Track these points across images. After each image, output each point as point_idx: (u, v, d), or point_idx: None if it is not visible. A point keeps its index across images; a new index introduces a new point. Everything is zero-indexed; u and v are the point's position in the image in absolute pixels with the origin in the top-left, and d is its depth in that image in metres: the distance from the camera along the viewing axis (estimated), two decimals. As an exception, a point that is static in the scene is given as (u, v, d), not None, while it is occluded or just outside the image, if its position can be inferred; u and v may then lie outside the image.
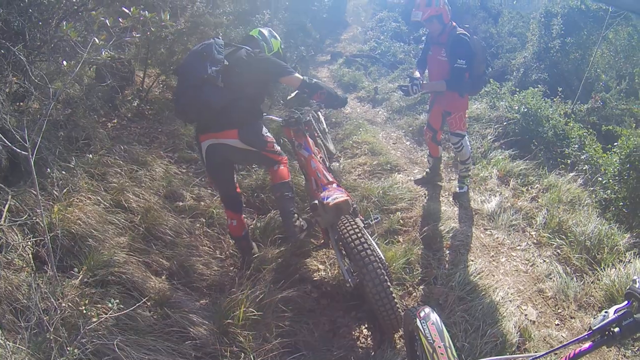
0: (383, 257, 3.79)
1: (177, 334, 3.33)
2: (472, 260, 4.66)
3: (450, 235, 5.04)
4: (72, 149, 4.65)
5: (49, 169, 4.09)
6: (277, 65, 4.02)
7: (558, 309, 4.17)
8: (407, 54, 14.77)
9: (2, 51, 3.90)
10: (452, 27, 5.20)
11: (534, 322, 3.98)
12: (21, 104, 4.41)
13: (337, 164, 6.68)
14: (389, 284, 3.31)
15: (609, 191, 5.95)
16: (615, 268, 4.41)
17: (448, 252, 4.80)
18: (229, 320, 3.45)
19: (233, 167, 4.34)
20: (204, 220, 4.78)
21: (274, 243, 4.49)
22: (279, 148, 4.22)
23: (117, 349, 2.82)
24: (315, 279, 4.32)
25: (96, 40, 3.35)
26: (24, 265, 3.26)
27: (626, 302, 1.89)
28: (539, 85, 9.65)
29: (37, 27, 4.58)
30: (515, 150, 7.35)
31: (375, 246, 3.74)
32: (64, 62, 3.28)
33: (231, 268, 4.23)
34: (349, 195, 3.97)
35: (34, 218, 3.49)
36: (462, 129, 5.64)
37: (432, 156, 6.25)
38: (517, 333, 3.72)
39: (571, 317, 4.08)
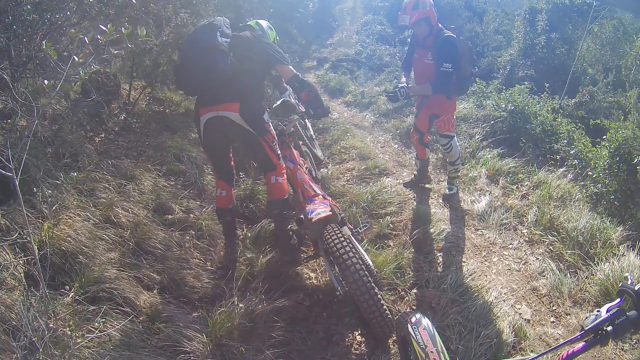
0: (371, 264, 3.81)
1: (170, 348, 3.31)
2: (464, 262, 4.66)
3: (441, 237, 5.04)
4: (60, 166, 4.62)
5: (36, 187, 4.06)
6: (277, 51, 4.07)
7: (553, 306, 4.17)
8: (393, 57, 14.85)
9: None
10: (439, 29, 5.18)
11: (528, 320, 3.98)
12: (7, 121, 4.38)
13: (326, 170, 6.67)
14: (376, 291, 3.31)
15: (599, 185, 5.95)
16: (609, 262, 4.41)
17: (439, 254, 4.80)
18: (221, 333, 3.43)
19: (229, 145, 4.34)
20: (193, 232, 4.76)
21: (265, 253, 4.46)
22: (278, 149, 4.21)
23: (108, 367, 2.81)
24: (307, 287, 4.29)
25: (75, 58, 3.32)
26: (17, 285, 3.24)
27: (618, 299, 1.88)
28: (526, 82, 9.73)
29: (22, 44, 4.57)
30: (503, 148, 7.39)
31: (364, 253, 3.78)
32: (45, 82, 3.26)
33: (222, 280, 4.20)
34: (336, 204, 3.98)
35: (25, 237, 3.46)
36: (451, 131, 5.64)
37: (419, 159, 6.24)
38: (512, 333, 3.72)
39: (566, 314, 4.08)
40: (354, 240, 3.83)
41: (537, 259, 4.76)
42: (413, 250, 4.78)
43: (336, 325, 3.89)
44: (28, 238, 3.15)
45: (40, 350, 2.60)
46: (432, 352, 2.38)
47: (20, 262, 3.41)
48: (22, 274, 3.36)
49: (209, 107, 3.89)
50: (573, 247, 4.79)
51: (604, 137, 6.17)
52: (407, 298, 4.20)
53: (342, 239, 3.46)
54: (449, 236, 5.08)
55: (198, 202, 5.36)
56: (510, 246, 5.01)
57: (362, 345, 3.72)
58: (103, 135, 5.83)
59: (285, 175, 4.27)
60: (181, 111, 7.40)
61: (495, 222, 5.34)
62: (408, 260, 4.59)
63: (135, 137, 6.02)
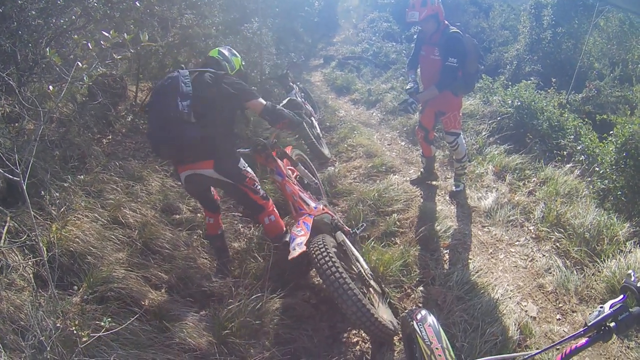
0: (367, 269, 3.85)
1: (177, 346, 3.35)
2: (470, 259, 4.67)
3: (448, 234, 5.04)
4: (67, 168, 4.68)
5: (44, 190, 4.11)
6: (242, 89, 3.95)
7: (559, 304, 4.16)
8: (399, 54, 14.84)
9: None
10: (445, 25, 5.20)
11: (534, 318, 3.98)
12: (15, 125, 4.43)
13: (333, 168, 6.69)
14: (359, 297, 3.24)
15: (606, 181, 5.91)
16: (616, 259, 4.40)
17: (445, 251, 4.80)
18: (227, 331, 3.47)
19: (209, 189, 4.37)
20: (200, 232, 4.80)
21: (271, 252, 4.47)
22: (261, 190, 4.23)
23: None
24: (313, 285, 4.32)
25: (79, 64, 3.35)
26: (26, 285, 3.29)
27: (622, 296, 1.90)
28: (532, 78, 9.69)
29: (28, 49, 4.61)
30: (510, 144, 7.39)
31: (359, 257, 3.88)
32: (50, 87, 3.30)
33: (228, 278, 4.23)
34: (328, 211, 4.05)
35: (33, 239, 3.50)
36: (457, 128, 5.65)
37: (425, 156, 6.24)
38: (517, 330, 3.71)
39: (572, 311, 4.07)
40: (348, 244, 3.89)
41: (544, 255, 4.76)
42: (419, 247, 4.79)
43: (342, 323, 3.91)
44: (36, 240, 3.20)
45: (48, 349, 2.64)
46: (437, 348, 2.40)
47: (29, 263, 3.46)
48: (31, 275, 3.41)
49: (185, 165, 3.90)
50: (580, 244, 4.77)
51: (611, 132, 6.14)
52: (413, 295, 4.21)
53: (324, 253, 3.41)
54: (455, 233, 5.08)
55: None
56: (517, 243, 5.00)
57: (368, 343, 3.74)
58: (110, 137, 5.88)
59: (275, 210, 4.35)
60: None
61: (501, 219, 5.34)
62: (414, 257, 4.60)
63: (143, 139, 6.05)
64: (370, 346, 3.70)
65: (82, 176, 4.60)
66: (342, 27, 19.40)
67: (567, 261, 4.62)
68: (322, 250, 3.42)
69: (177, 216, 4.91)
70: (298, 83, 8.35)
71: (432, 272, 4.44)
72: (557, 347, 2.14)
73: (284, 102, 4.80)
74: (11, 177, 2.77)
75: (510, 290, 4.25)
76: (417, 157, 7.37)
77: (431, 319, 2.57)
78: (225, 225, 4.84)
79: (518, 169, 6.61)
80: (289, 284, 4.11)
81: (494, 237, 5.12)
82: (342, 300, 3.21)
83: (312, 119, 7.63)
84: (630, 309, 1.83)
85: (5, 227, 3.51)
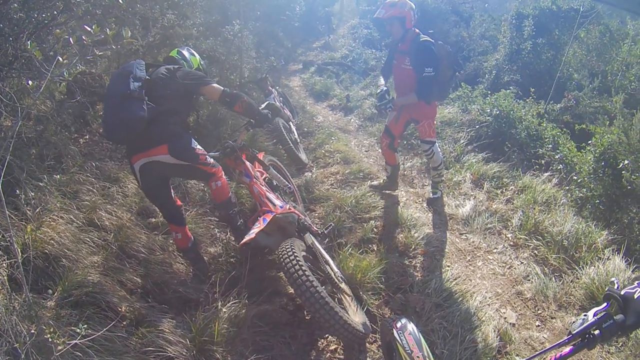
0: (337, 272, 3.87)
1: (153, 353, 3.26)
2: (449, 266, 4.68)
3: (425, 241, 5.04)
4: (43, 167, 4.55)
5: (20, 189, 4.01)
6: (194, 76, 4.05)
7: (538, 310, 4.20)
8: (379, 61, 14.90)
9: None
10: (415, 33, 5.22)
11: (514, 324, 4.01)
12: (-8, 121, 4.33)
13: (310, 174, 6.66)
14: (326, 300, 3.22)
15: (584, 189, 6.00)
16: (594, 266, 4.47)
17: (423, 258, 4.80)
18: (205, 338, 3.40)
19: (168, 183, 4.30)
20: (176, 236, 4.72)
21: (247, 258, 4.43)
22: (211, 160, 4.18)
23: (90, 373, 2.77)
24: (290, 292, 4.27)
25: (60, 59, 3.28)
26: (0, 288, 3.19)
27: (605, 304, 1.92)
28: (511, 87, 9.79)
29: (8, 42, 4.50)
30: (488, 153, 7.47)
31: (329, 260, 3.93)
32: (29, 82, 3.22)
33: (205, 285, 4.18)
34: (294, 211, 4.14)
35: (7, 239, 3.40)
36: (432, 136, 5.65)
37: (389, 164, 6.19)
38: (497, 337, 3.74)
39: (552, 318, 4.12)
40: (317, 247, 3.92)
41: (522, 263, 4.79)
42: (397, 254, 4.80)
43: (320, 330, 3.88)
44: (11, 241, 3.11)
45: (23, 356, 2.55)
46: (418, 357, 2.39)
47: (3, 265, 3.35)
48: (5, 277, 3.30)
49: (138, 153, 3.85)
50: (558, 251, 4.83)
51: (589, 141, 6.24)
52: (391, 302, 4.19)
53: (291, 257, 3.41)
54: (433, 240, 5.09)
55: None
56: (495, 250, 5.03)
57: (346, 350, 3.71)
58: (87, 137, 5.76)
59: (223, 177, 4.28)
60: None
61: (479, 227, 5.37)
62: (392, 264, 4.59)
63: (120, 140, 5.96)
64: (348, 354, 3.68)
65: (58, 176, 4.49)
66: (323, 33, 19.36)
67: (546, 268, 4.68)
68: (289, 254, 3.42)
69: (153, 220, 4.82)
70: (277, 87, 8.35)
71: (410, 279, 4.44)
72: (542, 356, 2.14)
73: (263, 105, 4.79)
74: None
75: (489, 298, 4.28)
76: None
77: (411, 327, 2.56)
78: (201, 229, 4.79)
79: (496, 177, 6.68)
80: (266, 291, 4.07)
81: (471, 244, 5.14)
82: (310, 303, 3.21)
83: (290, 123, 7.60)
84: (614, 317, 1.85)
85: (-23, 227, 3.41)
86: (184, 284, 4.16)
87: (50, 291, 3.38)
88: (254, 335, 3.63)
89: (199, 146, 4.10)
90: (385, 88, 5.44)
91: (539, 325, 4.04)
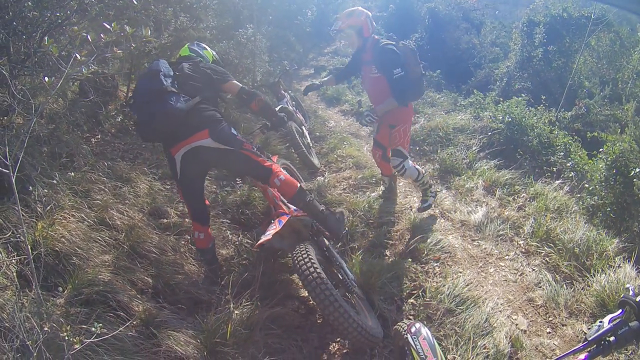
0: (351, 276, 3.86)
1: (164, 353, 3.26)
2: (460, 272, 4.63)
3: (438, 247, 4.98)
4: (55, 165, 4.57)
5: (32, 186, 4.02)
6: (218, 71, 4.16)
7: (549, 317, 4.16)
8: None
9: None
10: (375, 40, 5.19)
11: (525, 331, 3.97)
12: (4, 118, 4.34)
13: (322, 179, 6.64)
14: (340, 304, 3.24)
15: (595, 197, 5.96)
16: (605, 274, 4.40)
17: (436, 264, 4.76)
18: (216, 339, 3.39)
19: (205, 177, 4.34)
20: (188, 237, 4.74)
21: (260, 260, 4.42)
22: (260, 153, 4.10)
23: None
24: (302, 295, 4.27)
25: (77, 56, 3.29)
26: (9, 284, 3.19)
27: (620, 310, 1.90)
28: (523, 94, 9.74)
29: (22, 41, 4.53)
30: (500, 160, 7.41)
31: (343, 265, 3.92)
32: (46, 78, 3.23)
33: (217, 286, 4.17)
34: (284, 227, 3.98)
35: (18, 236, 3.41)
36: (405, 147, 5.40)
37: (385, 175, 6.10)
38: (508, 343, 3.69)
39: (562, 325, 4.07)
40: (332, 251, 3.92)
41: (534, 270, 4.76)
42: (410, 259, 4.76)
43: (332, 334, 3.86)
44: (22, 237, 3.11)
45: (35, 354, 2.54)
46: (432, 361, 2.37)
47: (13, 261, 3.36)
48: (14, 274, 3.30)
49: (179, 143, 3.86)
50: (569, 259, 4.78)
51: (601, 149, 6.21)
52: (403, 307, 4.17)
53: (306, 259, 3.43)
54: (445, 246, 5.03)
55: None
56: (507, 257, 4.99)
57: (358, 355, 3.69)
58: (99, 137, 5.79)
59: (283, 171, 4.14)
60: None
61: (491, 233, 5.33)
62: (404, 269, 4.57)
63: (132, 140, 5.98)
64: (360, 358, 3.67)
65: (71, 174, 4.51)
66: (334, 38, 19.36)
67: (557, 275, 4.63)
68: (304, 256, 3.43)
69: (165, 220, 4.82)
70: (289, 92, 8.32)
71: (422, 285, 4.40)
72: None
73: (276, 109, 4.79)
74: (1, 169, 2.70)
75: (501, 304, 4.24)
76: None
77: (425, 332, 2.54)
78: (213, 231, 4.76)
79: (508, 184, 6.62)
80: (278, 294, 4.04)
81: (483, 250, 5.10)
82: (324, 306, 3.22)
83: (303, 128, 7.60)
84: (629, 323, 1.84)
85: (-10, 223, 3.42)
86: (195, 285, 4.14)
87: (60, 289, 3.36)
88: (266, 337, 3.61)
89: (239, 134, 4.10)
90: (317, 84, 5.79)
91: (549, 332, 4.00)
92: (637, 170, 5.33)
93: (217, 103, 4.22)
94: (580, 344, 1.90)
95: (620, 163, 5.65)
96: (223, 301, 3.78)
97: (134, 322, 3.45)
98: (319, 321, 4.00)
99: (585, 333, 2.30)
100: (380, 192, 6.23)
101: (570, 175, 6.87)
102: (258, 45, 8.96)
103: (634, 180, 5.33)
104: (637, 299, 1.87)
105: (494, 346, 3.61)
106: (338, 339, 3.83)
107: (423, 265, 4.74)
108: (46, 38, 3.42)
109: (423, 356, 2.39)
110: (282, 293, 4.12)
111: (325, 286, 3.24)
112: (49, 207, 3.94)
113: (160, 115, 3.63)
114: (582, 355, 1.89)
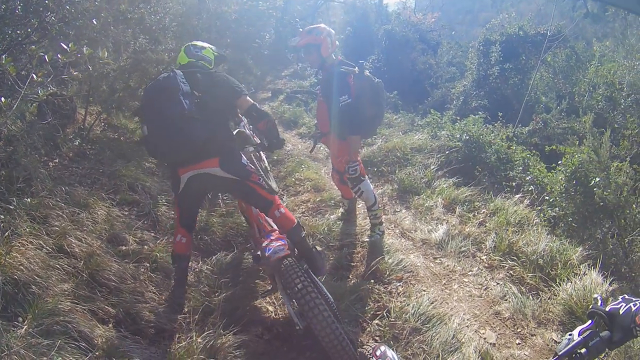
0: (330, 296, 3.79)
1: (126, 386, 3.17)
2: (424, 290, 4.63)
3: (400, 267, 4.97)
4: (13, 190, 4.42)
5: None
6: (236, 85, 4.06)
7: (517, 329, 4.20)
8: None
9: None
10: (337, 61, 5.01)
11: (494, 344, 3.99)
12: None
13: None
14: (337, 325, 3.26)
15: (557, 208, 6.10)
16: (571, 282, 4.49)
17: (399, 284, 4.74)
18: (180, 369, 3.30)
19: (206, 195, 4.34)
20: (147, 264, 4.65)
21: (221, 287, 4.39)
22: (265, 184, 4.17)
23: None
24: (266, 321, 4.22)
25: (34, 76, 3.21)
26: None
27: (590, 321, 1.90)
28: (480, 112, 9.93)
29: (-18, 59, 4.40)
30: (459, 177, 7.49)
31: (321, 285, 3.79)
32: (2, 99, 3.14)
33: (179, 314, 4.10)
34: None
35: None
36: (356, 166, 5.14)
37: (346, 198, 6.05)
38: (478, 358, 3.72)
39: (532, 335, 4.11)
40: (311, 273, 3.84)
41: (498, 283, 4.80)
42: (372, 281, 4.73)
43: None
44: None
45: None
46: (400, 384, 2.34)
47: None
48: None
49: (188, 166, 3.83)
50: (534, 270, 4.85)
51: (560, 162, 6.37)
52: (368, 329, 4.14)
53: (299, 273, 3.45)
54: (407, 266, 5.02)
55: (152, 234, 5.24)
56: (470, 273, 5.03)
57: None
58: (57, 161, 5.64)
59: (283, 204, 4.21)
60: (136, 139, 7.26)
61: (453, 250, 5.36)
62: (368, 291, 4.55)
63: (90, 164, 5.84)
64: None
65: (28, 199, 4.36)
66: (292, 61, 19.41)
67: (522, 287, 4.69)
68: (296, 271, 3.48)
69: (124, 247, 4.70)
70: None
71: (386, 305, 4.38)
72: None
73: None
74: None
75: (467, 319, 4.26)
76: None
77: (391, 354, 2.49)
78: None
79: (467, 201, 6.70)
80: (241, 320, 3.97)
81: (446, 268, 5.13)
82: (317, 321, 3.22)
83: (260, 152, 7.55)
84: (600, 334, 1.84)
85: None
86: (156, 313, 4.04)
87: (20, 319, 3.25)
88: (231, 365, 3.53)
89: (249, 164, 4.11)
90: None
91: (519, 344, 4.03)
92: (597, 179, 5.48)
93: (228, 119, 4.26)
94: (551, 359, 1.90)
95: (580, 174, 5.79)
96: (185, 329, 3.70)
97: (96, 353, 3.33)
98: (282, 347, 3.95)
99: (556, 342, 2.29)
100: (340, 215, 6.16)
101: (530, 188, 7.01)
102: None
103: (594, 189, 5.47)
104: (607, 309, 1.88)
105: (464, 361, 3.61)
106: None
107: (386, 285, 4.72)
108: (4, 56, 3.31)
109: (390, 379, 2.36)
110: (245, 319, 4.04)
111: (320, 301, 3.29)
112: (6, 233, 3.80)
113: (176, 142, 3.57)
114: None
